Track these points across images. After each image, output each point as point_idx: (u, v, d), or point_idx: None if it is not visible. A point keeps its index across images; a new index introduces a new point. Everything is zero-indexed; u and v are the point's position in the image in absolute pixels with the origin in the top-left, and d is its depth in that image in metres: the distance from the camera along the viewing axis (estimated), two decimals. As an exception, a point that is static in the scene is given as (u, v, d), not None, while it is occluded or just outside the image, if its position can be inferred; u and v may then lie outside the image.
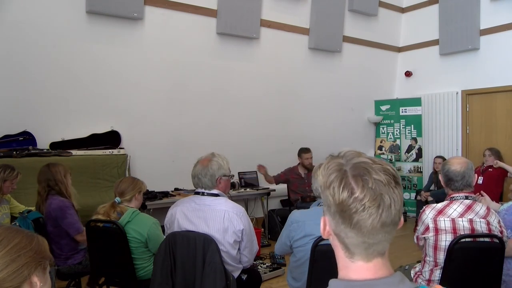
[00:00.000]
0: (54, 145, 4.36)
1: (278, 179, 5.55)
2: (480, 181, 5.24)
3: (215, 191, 2.42)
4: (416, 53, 7.27)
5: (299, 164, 5.59)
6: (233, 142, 5.55)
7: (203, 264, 2.25)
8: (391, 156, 7.08)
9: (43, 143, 4.32)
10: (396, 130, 7.12)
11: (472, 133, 6.58)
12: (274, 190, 5.67)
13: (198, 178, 2.40)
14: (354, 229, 0.88)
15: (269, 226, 5.63)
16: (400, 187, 0.92)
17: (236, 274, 2.44)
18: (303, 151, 5.56)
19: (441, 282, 1.98)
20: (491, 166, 5.33)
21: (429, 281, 2.22)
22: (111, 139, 4.70)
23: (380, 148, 7.23)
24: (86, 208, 3.35)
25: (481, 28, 6.30)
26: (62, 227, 3.00)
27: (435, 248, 2.21)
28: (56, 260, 2.96)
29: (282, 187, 5.75)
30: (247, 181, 5.65)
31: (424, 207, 2.37)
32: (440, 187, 5.45)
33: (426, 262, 2.29)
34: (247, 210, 5.62)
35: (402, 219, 0.94)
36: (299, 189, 5.45)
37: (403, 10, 7.50)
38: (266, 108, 5.99)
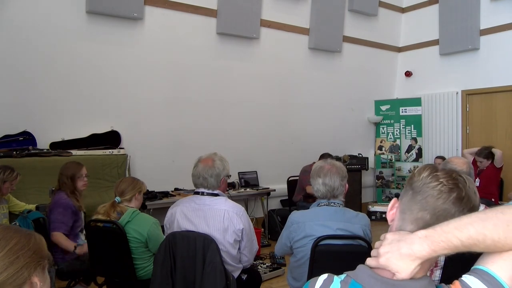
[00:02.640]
0: (54, 145, 4.36)
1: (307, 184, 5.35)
2: (477, 183, 5.22)
3: (215, 191, 2.43)
4: (416, 53, 7.27)
5: (314, 163, 5.44)
6: (233, 142, 5.55)
7: (203, 264, 2.25)
8: (391, 156, 7.07)
9: (43, 143, 4.31)
10: (396, 130, 7.12)
11: (472, 133, 6.58)
12: (274, 190, 5.67)
13: (203, 178, 2.40)
14: (421, 201, 0.95)
15: (269, 226, 5.63)
16: (474, 212, 0.94)
17: (236, 274, 2.44)
18: (331, 158, 5.25)
19: (442, 282, 1.98)
20: (487, 168, 5.29)
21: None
22: (111, 139, 4.70)
23: (380, 148, 7.23)
24: (86, 208, 3.37)
25: (481, 28, 6.30)
26: None
27: None
28: (54, 255, 2.96)
29: (282, 187, 5.76)
30: (247, 181, 5.66)
31: None
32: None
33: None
34: (247, 210, 5.62)
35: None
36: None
37: (403, 10, 7.50)
38: (266, 108, 5.99)
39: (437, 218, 0.93)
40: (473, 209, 0.94)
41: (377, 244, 0.97)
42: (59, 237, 2.99)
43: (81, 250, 3.00)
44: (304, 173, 5.42)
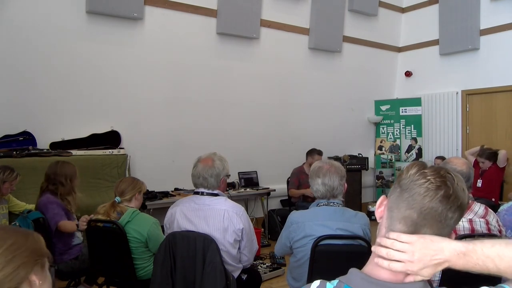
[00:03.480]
0: (54, 145, 4.36)
1: (295, 186, 5.34)
2: (479, 184, 5.22)
3: (215, 191, 2.43)
4: (416, 53, 7.28)
5: (304, 163, 5.51)
6: (233, 142, 5.55)
7: (203, 264, 2.25)
8: (391, 156, 7.07)
9: (43, 143, 4.31)
10: (396, 130, 7.12)
11: (472, 133, 6.58)
12: (274, 190, 5.67)
13: (203, 178, 2.40)
14: (408, 198, 0.93)
15: (269, 226, 5.63)
16: (462, 210, 0.94)
17: (236, 274, 2.44)
18: (317, 153, 5.39)
19: (441, 282, 1.98)
20: (489, 169, 5.30)
21: (429, 281, 2.21)
22: (111, 139, 4.70)
23: (380, 148, 7.23)
24: (86, 208, 3.37)
25: (481, 28, 6.30)
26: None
27: None
28: (53, 255, 2.95)
29: (282, 187, 5.75)
30: (247, 181, 5.65)
31: None
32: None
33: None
34: (247, 210, 5.62)
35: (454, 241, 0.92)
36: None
37: (403, 10, 7.50)
38: (266, 108, 5.99)
39: (424, 217, 0.92)
40: (461, 207, 0.93)
41: (399, 246, 0.91)
42: (64, 224, 2.96)
43: (82, 225, 2.88)
44: (292, 176, 5.44)
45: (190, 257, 2.28)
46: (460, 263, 0.88)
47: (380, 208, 1.01)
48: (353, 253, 2.16)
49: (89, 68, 4.61)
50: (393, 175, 7.02)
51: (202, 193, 2.42)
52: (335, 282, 0.99)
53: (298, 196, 5.31)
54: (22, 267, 0.95)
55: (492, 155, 5.27)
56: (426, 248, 0.89)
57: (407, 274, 0.92)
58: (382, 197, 1.03)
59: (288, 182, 5.60)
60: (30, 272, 0.96)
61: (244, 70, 5.75)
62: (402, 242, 0.91)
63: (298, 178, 5.39)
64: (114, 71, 4.76)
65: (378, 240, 0.97)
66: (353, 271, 0.97)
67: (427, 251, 0.89)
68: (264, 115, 5.98)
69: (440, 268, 0.90)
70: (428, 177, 0.92)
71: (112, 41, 4.72)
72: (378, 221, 1.02)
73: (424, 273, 0.90)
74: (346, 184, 2.37)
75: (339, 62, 6.77)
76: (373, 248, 0.98)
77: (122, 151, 4.64)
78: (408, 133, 7.02)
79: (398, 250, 0.91)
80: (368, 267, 0.97)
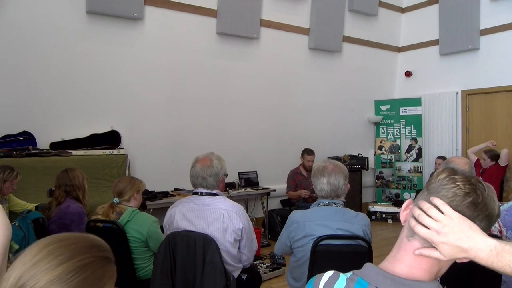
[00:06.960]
0: (54, 145, 4.36)
1: (293, 187, 5.38)
2: None
3: (214, 191, 2.43)
4: (416, 53, 7.28)
5: (300, 164, 5.55)
6: (233, 142, 5.55)
7: (203, 264, 2.25)
8: (391, 156, 7.07)
9: (43, 143, 4.32)
10: (396, 130, 7.12)
11: (472, 133, 6.58)
12: (274, 190, 5.67)
13: (202, 177, 2.39)
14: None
15: (269, 226, 5.63)
16: (490, 220, 0.93)
17: (236, 274, 2.44)
18: (307, 153, 5.47)
19: (441, 282, 1.98)
20: (490, 168, 5.35)
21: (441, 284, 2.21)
22: (111, 139, 4.70)
23: (380, 148, 7.22)
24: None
25: (481, 28, 6.30)
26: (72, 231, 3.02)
27: None
28: None
29: (282, 187, 5.75)
30: (247, 181, 5.65)
31: None
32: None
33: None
34: (247, 210, 5.62)
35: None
36: (305, 190, 5.38)
37: (403, 10, 7.50)
38: (266, 108, 5.99)
39: None
40: (489, 216, 0.92)
41: (435, 214, 0.89)
42: None
43: None
44: (288, 178, 5.45)
45: (190, 257, 2.28)
46: (489, 260, 0.85)
47: (405, 211, 1.00)
48: (353, 253, 2.16)
49: (89, 68, 4.61)
50: (393, 175, 7.02)
51: (201, 193, 2.42)
52: (348, 274, 0.98)
53: (296, 198, 5.32)
54: None
55: (495, 156, 5.36)
56: (460, 230, 0.87)
57: (429, 273, 0.91)
58: (408, 201, 1.01)
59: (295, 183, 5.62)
60: None
61: (244, 70, 5.75)
62: (443, 212, 0.89)
63: (294, 180, 5.42)
64: (114, 71, 4.76)
65: (419, 202, 0.96)
66: (368, 265, 0.97)
67: (460, 232, 0.87)
68: (264, 115, 5.98)
69: (461, 255, 0.87)
70: (458, 183, 0.92)
71: (112, 41, 4.71)
72: (402, 224, 1.00)
73: (443, 249, 0.88)
74: (348, 185, 2.37)
75: (339, 62, 6.77)
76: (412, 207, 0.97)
77: (122, 151, 4.64)
78: (408, 133, 7.02)
79: (431, 217, 0.90)
80: (385, 264, 0.97)
